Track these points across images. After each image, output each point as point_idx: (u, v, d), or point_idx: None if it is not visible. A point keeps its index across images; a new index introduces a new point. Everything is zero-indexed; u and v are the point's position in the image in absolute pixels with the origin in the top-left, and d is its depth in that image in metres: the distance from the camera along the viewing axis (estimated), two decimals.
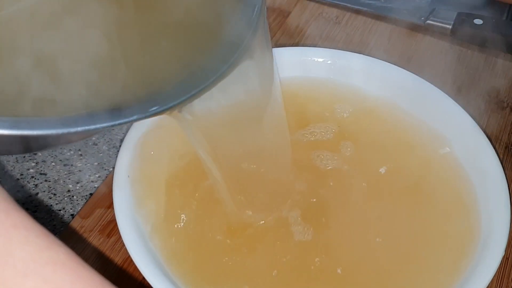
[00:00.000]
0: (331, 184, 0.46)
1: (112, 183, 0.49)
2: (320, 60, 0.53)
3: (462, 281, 0.39)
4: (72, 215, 0.50)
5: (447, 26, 0.64)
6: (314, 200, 0.45)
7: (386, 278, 0.42)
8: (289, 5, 0.68)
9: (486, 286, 0.39)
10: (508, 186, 0.45)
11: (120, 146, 0.46)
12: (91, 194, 0.50)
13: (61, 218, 0.50)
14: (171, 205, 0.44)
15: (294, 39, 0.64)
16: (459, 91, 0.59)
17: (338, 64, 0.53)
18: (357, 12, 0.67)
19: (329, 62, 0.53)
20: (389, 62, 0.54)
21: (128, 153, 0.44)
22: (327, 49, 0.54)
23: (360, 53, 0.54)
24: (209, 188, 0.45)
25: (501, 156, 0.53)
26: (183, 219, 0.44)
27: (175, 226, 0.43)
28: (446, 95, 0.51)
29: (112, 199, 0.49)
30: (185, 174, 0.46)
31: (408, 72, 0.52)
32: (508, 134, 0.56)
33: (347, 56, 0.54)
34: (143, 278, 0.44)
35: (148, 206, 0.43)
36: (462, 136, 0.48)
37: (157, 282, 0.38)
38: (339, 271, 0.42)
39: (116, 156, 0.46)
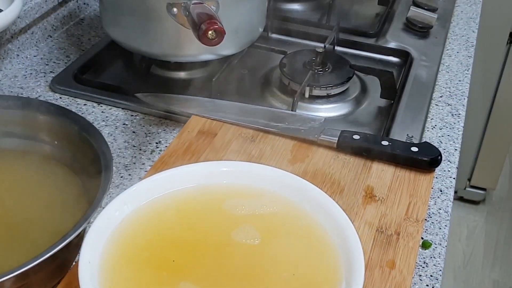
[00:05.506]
0: None
1: None
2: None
3: None
4: None
5: (334, 140, 0.86)
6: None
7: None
8: (216, 128, 0.88)
9: None
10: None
11: None
12: None
13: None
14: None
15: (220, 154, 0.84)
16: (343, 189, 0.80)
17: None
18: (267, 132, 0.88)
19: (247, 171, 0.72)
20: (290, 171, 0.73)
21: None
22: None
23: (269, 165, 0.74)
24: None
25: (372, 238, 0.73)
26: None
27: None
28: (328, 196, 0.70)
29: None
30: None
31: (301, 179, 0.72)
32: (379, 219, 0.76)
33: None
34: None
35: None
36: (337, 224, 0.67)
37: None
38: None
39: None
